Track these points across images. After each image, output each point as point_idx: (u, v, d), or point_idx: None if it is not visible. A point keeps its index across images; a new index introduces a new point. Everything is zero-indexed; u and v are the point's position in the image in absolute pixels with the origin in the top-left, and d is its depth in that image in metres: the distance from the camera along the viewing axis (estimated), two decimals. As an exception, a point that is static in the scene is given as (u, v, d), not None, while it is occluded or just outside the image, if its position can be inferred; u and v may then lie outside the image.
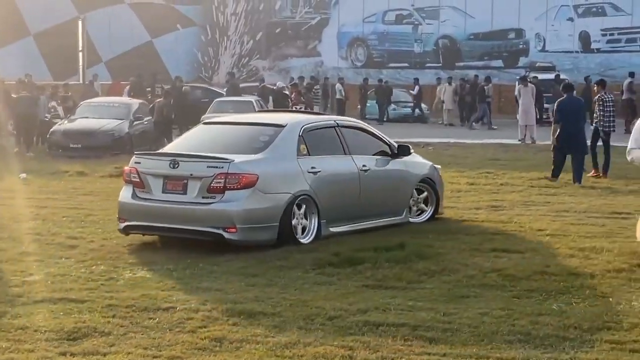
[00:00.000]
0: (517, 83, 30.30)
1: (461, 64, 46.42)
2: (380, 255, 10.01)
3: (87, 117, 25.12)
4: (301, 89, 30.19)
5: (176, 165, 10.72)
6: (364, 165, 11.87)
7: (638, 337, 6.99)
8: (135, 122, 25.10)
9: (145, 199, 10.92)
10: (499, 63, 46.38)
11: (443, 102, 37.72)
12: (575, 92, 19.06)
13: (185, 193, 10.69)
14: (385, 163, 12.35)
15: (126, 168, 11.39)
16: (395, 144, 12.70)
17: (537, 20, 45.72)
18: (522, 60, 45.52)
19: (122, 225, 11.12)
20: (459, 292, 8.61)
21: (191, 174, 10.66)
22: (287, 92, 28.73)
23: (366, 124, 13.77)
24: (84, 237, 11.44)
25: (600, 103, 18.42)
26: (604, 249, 10.48)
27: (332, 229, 11.34)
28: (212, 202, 10.55)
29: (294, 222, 10.83)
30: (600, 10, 45.73)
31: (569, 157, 17.42)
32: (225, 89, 33.67)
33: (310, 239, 11.01)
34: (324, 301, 8.16)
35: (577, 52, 45.54)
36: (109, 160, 21.83)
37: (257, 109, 27.01)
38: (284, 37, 49.61)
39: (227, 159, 10.60)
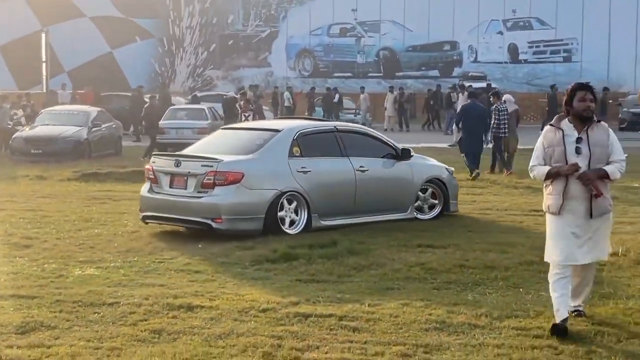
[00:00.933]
0: (451, 91, 30.58)
1: (400, 73, 46.75)
2: (314, 251, 10.06)
3: (47, 125, 24.85)
4: (253, 96, 30.11)
5: (179, 164, 11.56)
6: (361, 166, 12.17)
7: (542, 323, 7.08)
8: (94, 129, 24.92)
9: (157, 193, 11.75)
10: (435, 73, 46.77)
11: (386, 108, 37.94)
12: (478, 98, 20.60)
13: (185, 188, 11.46)
14: (390, 164, 12.62)
15: (147, 167, 12.28)
16: (399, 147, 12.92)
17: (469, 33, 46.19)
18: (457, 70, 45.97)
19: (141, 215, 12.00)
20: (384, 284, 8.69)
21: (189, 172, 11.40)
22: (237, 99, 28.59)
23: (371, 130, 14.00)
24: (38, 237, 11.36)
25: (496, 112, 19.35)
26: (518, 243, 10.65)
27: (324, 222, 11.71)
28: (204, 196, 11.21)
29: (282, 214, 11.32)
30: (527, 24, 46.32)
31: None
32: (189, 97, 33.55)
33: (298, 230, 11.45)
34: (259, 294, 8.19)
35: (506, 62, 46.10)
36: (69, 165, 21.64)
37: (208, 116, 27.06)
38: (236, 49, 49.52)
39: (217, 159, 11.28)
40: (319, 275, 9.11)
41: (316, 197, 11.61)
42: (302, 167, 11.63)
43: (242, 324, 7.20)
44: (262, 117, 27.09)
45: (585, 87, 6.88)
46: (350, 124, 15.09)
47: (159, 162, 12.01)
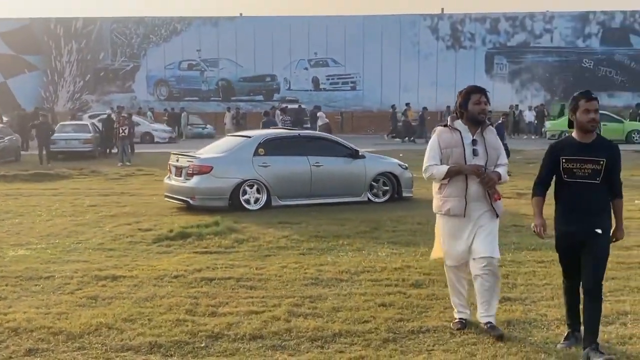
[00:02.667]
0: (277, 112, 30.42)
1: (235, 98, 46.16)
2: (202, 230, 9.59)
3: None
4: (125, 115, 28.65)
5: (178, 160, 12.29)
6: (317, 162, 12.42)
7: (388, 275, 7.05)
8: (-1, 141, 22.93)
9: (170, 180, 12.46)
10: (260, 97, 46.50)
11: (225, 123, 37.36)
12: (274, 115, 20.74)
13: (181, 176, 12.11)
14: (345, 162, 12.70)
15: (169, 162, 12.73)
16: (356, 149, 13.02)
17: (284, 69, 46.26)
18: (276, 96, 45.90)
19: (164, 195, 12.55)
20: (263, 252, 8.40)
21: (182, 165, 12.06)
22: (114, 119, 27.17)
23: (333, 136, 14.01)
24: (-31, 227, 10.20)
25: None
26: (351, 218, 10.64)
27: (283, 202, 12.07)
28: (187, 182, 11.90)
29: (246, 196, 11.83)
30: (325, 63, 46.86)
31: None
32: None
33: (257, 207, 11.84)
34: (167, 265, 7.68)
35: (311, 90, 46.46)
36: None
37: (91, 130, 25.60)
38: (107, 79, 47.22)
39: (196, 156, 12.17)
40: (211, 248, 8.68)
41: (275, 184, 12.02)
42: (263, 163, 12.06)
43: (161, 289, 6.70)
44: (133, 130, 25.71)
45: (479, 90, 5.28)
46: (316, 132, 14.87)
47: (172, 158, 12.60)
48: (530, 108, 37.12)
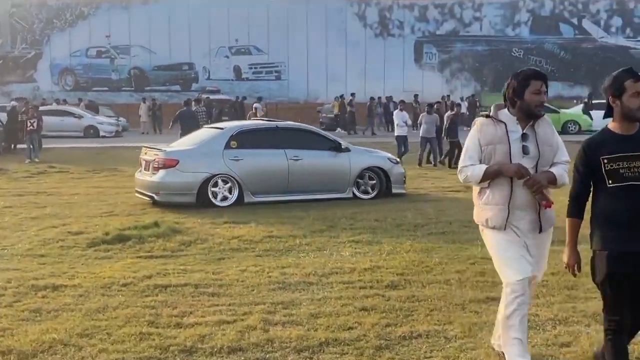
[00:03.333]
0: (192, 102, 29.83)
1: (149, 88, 45.08)
2: (142, 232, 9.19)
3: None
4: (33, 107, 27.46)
5: (147, 153, 12.21)
6: (295, 156, 12.22)
7: (359, 277, 6.93)
8: None
9: (140, 174, 12.30)
10: (177, 87, 45.63)
11: (140, 115, 36.43)
12: (195, 104, 20.52)
13: (148, 171, 11.96)
14: (327, 155, 12.50)
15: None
16: (341, 142, 12.85)
17: (203, 57, 45.57)
18: (195, 86, 45.12)
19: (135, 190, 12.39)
20: (215, 256, 8.12)
21: (150, 159, 11.94)
22: (19, 109, 25.96)
23: (315, 128, 13.82)
24: None
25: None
26: (304, 216, 10.48)
27: (257, 198, 11.91)
28: (153, 176, 11.76)
29: (215, 191, 11.66)
30: (247, 51, 46.49)
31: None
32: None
33: (227, 204, 11.67)
34: (111, 272, 7.29)
35: (232, 80, 45.98)
36: None
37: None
38: (6, 68, 45.23)
39: (162, 149, 12.00)
40: (155, 252, 8.32)
41: (248, 179, 11.84)
42: (235, 156, 11.88)
43: (111, 299, 6.34)
44: (42, 123, 24.63)
45: (540, 76, 4.37)
46: (295, 123, 14.45)
47: (142, 152, 12.52)
48: (462, 99, 37.90)
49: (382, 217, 10.21)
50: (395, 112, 20.48)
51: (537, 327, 5.38)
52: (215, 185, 11.74)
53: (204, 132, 12.89)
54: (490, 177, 4.40)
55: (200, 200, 11.60)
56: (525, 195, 4.38)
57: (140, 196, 12.16)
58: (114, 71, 45.62)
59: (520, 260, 4.37)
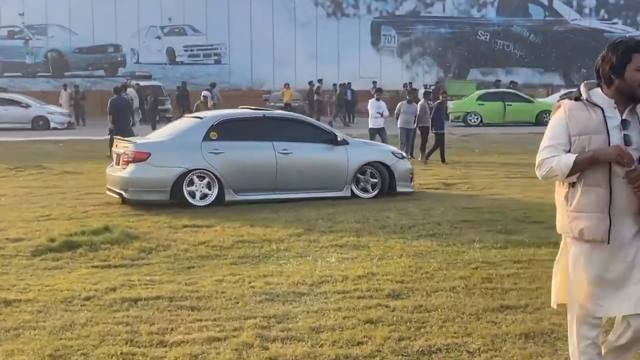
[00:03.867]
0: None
1: (69, 73, 44.24)
2: (93, 238, 8.99)
3: None
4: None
5: (117, 145, 12.27)
6: (284, 149, 12.15)
7: (355, 286, 6.91)
8: None
9: (111, 169, 12.31)
10: (101, 73, 44.94)
11: (61, 104, 35.72)
12: (124, 92, 20.74)
13: (119, 165, 11.94)
14: (322, 148, 12.47)
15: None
16: (338, 134, 12.83)
17: (131, 37, 44.99)
18: (122, 70, 44.52)
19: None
20: (183, 264, 8.00)
21: (120, 152, 11.99)
22: None
23: (309, 118, 13.76)
24: None
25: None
26: (275, 217, 10.45)
27: (240, 197, 11.87)
28: (122, 171, 11.74)
29: (191, 189, 11.63)
30: (181, 31, 46.11)
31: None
32: None
33: (206, 203, 11.65)
34: (67, 284, 7.11)
35: (165, 64, 45.53)
36: None
37: None
38: None
39: (132, 141, 12.12)
40: (112, 261, 8.16)
41: (229, 175, 11.79)
42: (215, 149, 11.83)
43: (76, 314, 6.18)
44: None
45: None
46: (285, 113, 14.43)
47: (115, 144, 12.60)
48: (426, 87, 38.30)
49: (362, 218, 10.25)
50: (370, 102, 20.32)
51: (565, 339, 5.45)
52: (192, 182, 11.68)
53: (181, 123, 12.84)
54: (582, 167, 3.88)
55: (174, 199, 11.54)
56: (628, 197, 3.88)
57: (111, 194, 12.08)
58: (28, 54, 44.70)
59: (602, 295, 3.97)
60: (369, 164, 12.70)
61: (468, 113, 31.58)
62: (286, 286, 6.97)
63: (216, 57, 45.92)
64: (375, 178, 12.70)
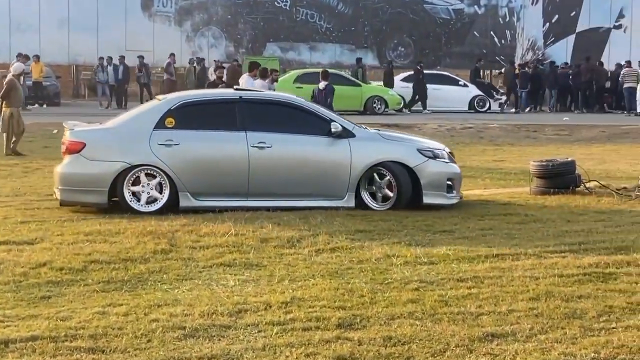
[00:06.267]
0: None
1: None
2: None
3: None
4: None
5: (64, 134, 12.10)
6: (260, 142, 11.69)
7: (283, 315, 6.89)
8: None
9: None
10: None
11: None
12: None
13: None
14: (320, 142, 11.94)
15: None
16: (340, 122, 12.04)
17: None
18: None
19: None
20: (32, 292, 7.69)
21: (63, 142, 11.98)
22: None
23: (303, 102, 12.83)
24: None
25: None
26: (121, 231, 10.16)
27: (201, 202, 11.63)
28: (59, 164, 11.84)
29: (135, 189, 11.48)
30: None
31: None
32: None
33: (154, 209, 11.44)
34: None
35: None
36: None
37: None
38: None
39: (70, 128, 12.01)
40: None
41: (185, 174, 11.55)
42: (168, 140, 11.58)
43: None
44: None
45: None
46: (266, 94, 13.47)
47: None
48: (217, 63, 38.39)
49: (235, 231, 10.17)
50: (245, 77, 19.39)
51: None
52: (138, 181, 11.50)
53: (140, 107, 13.03)
54: None
55: (115, 201, 11.50)
56: None
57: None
58: None
59: None
60: (382, 164, 12.00)
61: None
62: (198, 317, 6.86)
63: None
64: (391, 185, 11.95)
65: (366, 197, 11.97)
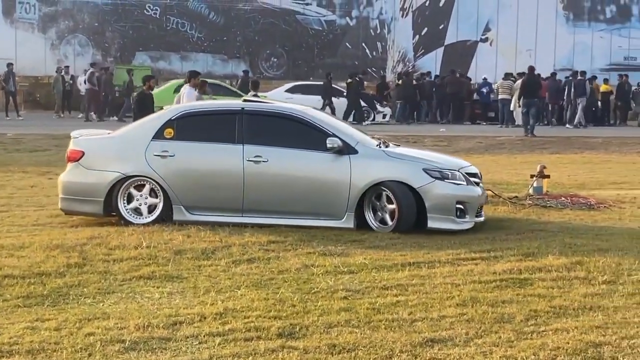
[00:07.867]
0: None
1: None
2: None
3: None
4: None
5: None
6: (257, 156, 11.49)
7: (222, 326, 6.94)
8: None
9: None
10: None
11: None
12: None
13: None
14: (320, 158, 11.54)
15: None
16: (343, 139, 11.53)
17: None
18: None
19: None
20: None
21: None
22: None
23: (308, 115, 12.00)
24: None
25: None
26: (22, 244, 9.96)
27: (195, 216, 11.58)
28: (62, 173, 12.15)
29: (132, 202, 11.63)
30: None
31: None
32: None
33: (147, 221, 11.50)
34: None
35: None
36: None
37: None
38: None
39: (76, 136, 12.16)
40: None
41: (179, 187, 11.58)
42: (164, 151, 11.61)
43: None
44: None
45: None
46: (270, 106, 12.56)
47: None
48: (92, 69, 37.74)
49: (148, 242, 10.15)
50: (186, 89, 18.13)
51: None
52: (132, 192, 11.66)
53: (148, 116, 13.12)
54: None
55: (111, 212, 11.66)
56: None
57: None
58: None
59: None
60: (382, 183, 11.52)
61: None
62: (134, 330, 6.87)
63: None
64: (391, 204, 11.46)
65: (370, 217, 11.55)
